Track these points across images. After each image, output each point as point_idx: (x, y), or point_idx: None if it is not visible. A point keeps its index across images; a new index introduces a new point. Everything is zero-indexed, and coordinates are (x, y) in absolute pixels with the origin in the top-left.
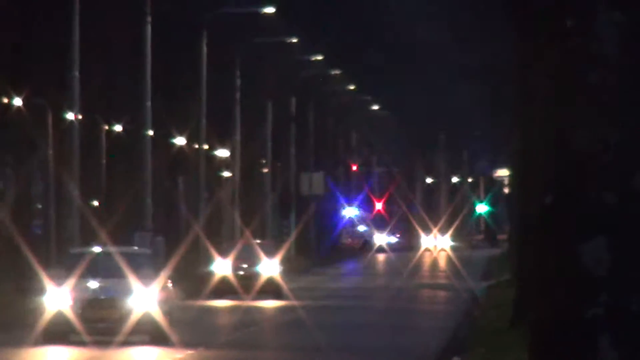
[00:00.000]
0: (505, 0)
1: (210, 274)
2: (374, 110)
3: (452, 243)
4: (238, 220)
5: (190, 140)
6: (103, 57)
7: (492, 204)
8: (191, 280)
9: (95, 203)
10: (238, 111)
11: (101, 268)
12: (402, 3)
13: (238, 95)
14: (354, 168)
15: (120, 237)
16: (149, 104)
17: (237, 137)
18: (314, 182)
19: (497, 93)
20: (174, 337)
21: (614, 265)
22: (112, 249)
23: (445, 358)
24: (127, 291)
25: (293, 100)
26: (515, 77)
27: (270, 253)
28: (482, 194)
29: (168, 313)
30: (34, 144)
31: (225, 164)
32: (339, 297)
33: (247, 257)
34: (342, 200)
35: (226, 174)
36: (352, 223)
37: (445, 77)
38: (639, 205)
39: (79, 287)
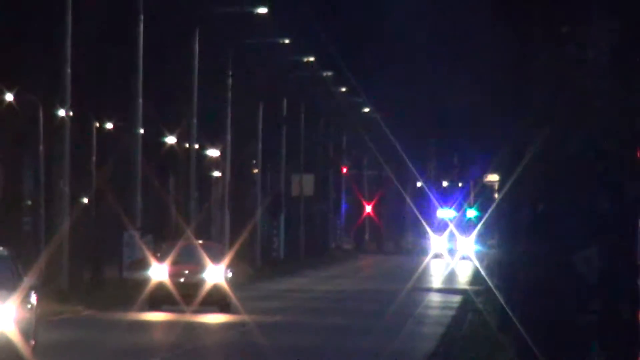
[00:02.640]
0: (499, 5)
1: (146, 281)
2: (365, 113)
3: (476, 247)
4: (227, 221)
5: (181, 140)
6: (95, 55)
7: (481, 209)
8: (125, 287)
9: (85, 200)
10: (229, 111)
11: None
12: (394, 6)
13: (229, 95)
14: (344, 170)
15: (110, 235)
16: (140, 102)
17: (228, 137)
18: (305, 183)
19: (490, 98)
20: None
21: (606, 273)
22: None
23: None
24: None
25: (284, 102)
26: (508, 81)
27: (216, 256)
28: (471, 199)
29: (30, 336)
30: (24, 140)
31: (215, 164)
32: (320, 300)
33: (188, 260)
34: (439, 201)
35: (216, 174)
36: (440, 226)
37: (438, 81)
38: (631, 213)
39: None
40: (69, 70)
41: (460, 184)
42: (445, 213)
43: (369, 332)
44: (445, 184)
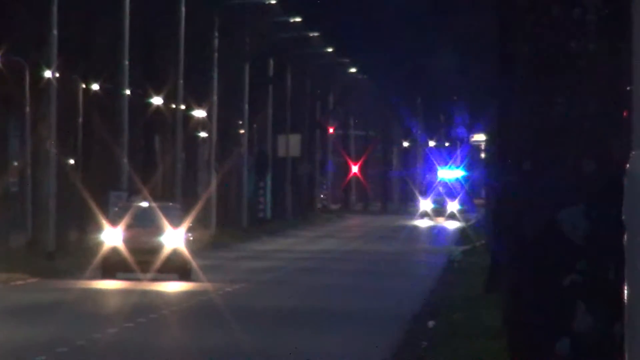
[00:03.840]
0: None
1: (99, 245)
2: (352, 73)
3: (463, 207)
4: (214, 182)
5: (167, 101)
6: (81, 16)
7: (468, 168)
8: (82, 252)
9: (72, 162)
10: (215, 72)
11: None
12: None
13: (216, 56)
14: (331, 131)
15: (96, 196)
16: (126, 63)
17: (214, 97)
18: (291, 143)
19: (476, 58)
20: None
21: (592, 233)
22: None
23: (420, 323)
24: None
25: (271, 62)
26: (495, 43)
27: (176, 219)
28: (458, 159)
29: None
30: (11, 101)
31: (202, 124)
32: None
33: (145, 223)
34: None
35: (203, 134)
36: (427, 186)
37: (425, 41)
38: (617, 173)
39: None
40: (55, 32)
41: (446, 144)
42: (441, 173)
43: (354, 291)
44: (431, 144)
